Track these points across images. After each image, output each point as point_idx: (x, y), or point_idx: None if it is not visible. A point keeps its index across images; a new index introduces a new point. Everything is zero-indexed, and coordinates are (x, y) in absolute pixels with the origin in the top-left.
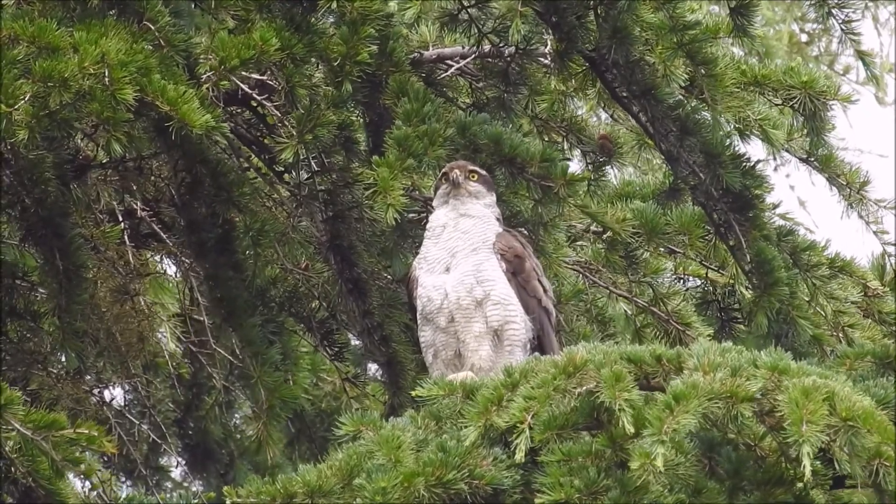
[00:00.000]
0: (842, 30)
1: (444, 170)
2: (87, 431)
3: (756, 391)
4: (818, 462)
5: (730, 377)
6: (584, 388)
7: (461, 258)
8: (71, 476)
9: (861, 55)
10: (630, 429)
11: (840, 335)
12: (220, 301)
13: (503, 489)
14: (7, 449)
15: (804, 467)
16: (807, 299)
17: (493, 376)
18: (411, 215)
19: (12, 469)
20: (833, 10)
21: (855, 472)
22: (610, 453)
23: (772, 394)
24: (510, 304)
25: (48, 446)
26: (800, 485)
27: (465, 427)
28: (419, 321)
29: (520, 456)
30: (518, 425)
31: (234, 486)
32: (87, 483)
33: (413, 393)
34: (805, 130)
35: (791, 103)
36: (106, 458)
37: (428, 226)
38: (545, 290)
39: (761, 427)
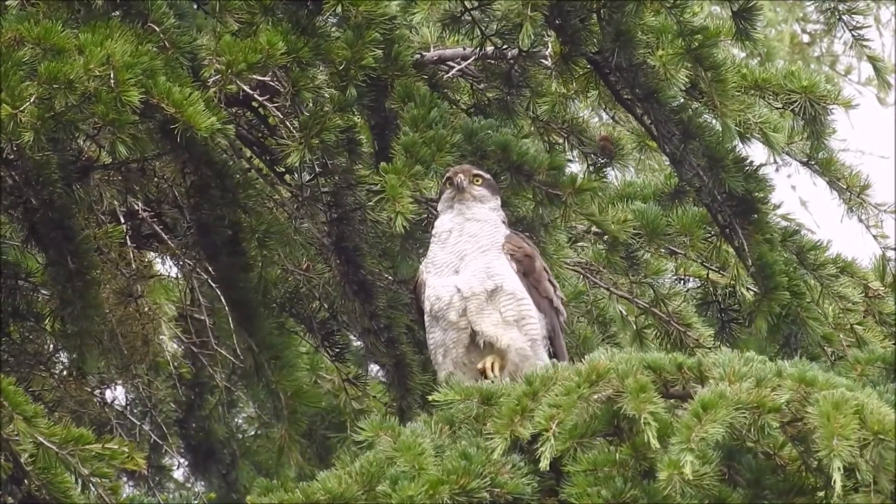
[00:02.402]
0: (853, 36)
1: (447, 174)
2: (115, 447)
3: (783, 402)
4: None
5: (755, 387)
6: (604, 394)
7: (470, 260)
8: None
9: (872, 59)
10: (655, 444)
11: (845, 334)
12: (234, 304)
13: (523, 497)
14: (22, 460)
15: (834, 482)
16: (808, 300)
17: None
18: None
19: (26, 481)
20: (843, 17)
21: (883, 486)
22: (634, 462)
23: (795, 404)
24: (524, 298)
25: (75, 461)
26: (821, 494)
27: (490, 438)
28: (427, 322)
29: (544, 464)
30: (543, 433)
31: (256, 495)
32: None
33: (430, 397)
34: (805, 133)
35: (791, 107)
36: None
37: (434, 231)
38: (555, 290)
39: (781, 436)
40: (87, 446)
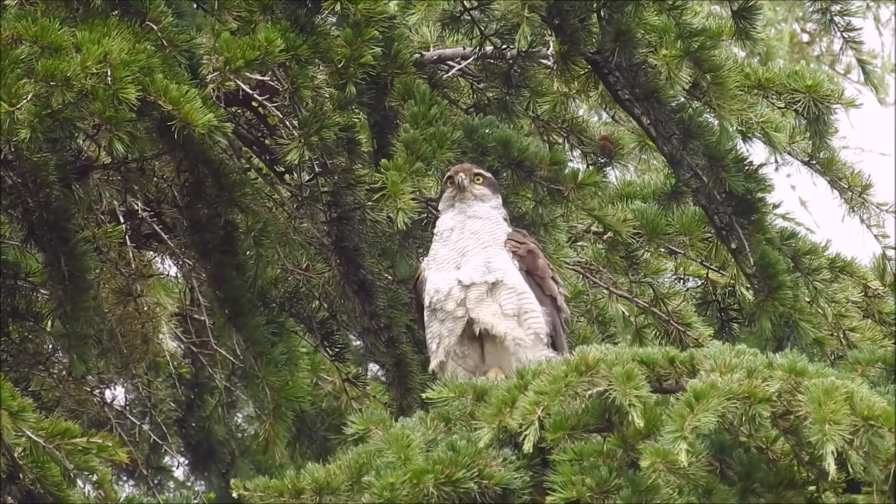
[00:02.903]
0: (843, 38)
1: (448, 173)
2: (100, 441)
3: (774, 392)
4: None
5: (746, 378)
6: (596, 389)
7: (472, 256)
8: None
9: (862, 63)
10: (640, 423)
11: (841, 337)
12: (224, 301)
13: (512, 490)
14: (16, 455)
15: (828, 465)
16: (808, 300)
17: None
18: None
19: (21, 476)
20: (835, 18)
21: (873, 474)
22: (621, 453)
23: (787, 395)
24: (524, 293)
25: (61, 455)
26: (812, 488)
27: (479, 429)
28: (426, 317)
29: (528, 446)
30: (527, 416)
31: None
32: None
33: (424, 395)
34: (807, 133)
35: (794, 107)
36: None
37: (435, 230)
38: (559, 288)
39: (774, 430)
40: (73, 440)
